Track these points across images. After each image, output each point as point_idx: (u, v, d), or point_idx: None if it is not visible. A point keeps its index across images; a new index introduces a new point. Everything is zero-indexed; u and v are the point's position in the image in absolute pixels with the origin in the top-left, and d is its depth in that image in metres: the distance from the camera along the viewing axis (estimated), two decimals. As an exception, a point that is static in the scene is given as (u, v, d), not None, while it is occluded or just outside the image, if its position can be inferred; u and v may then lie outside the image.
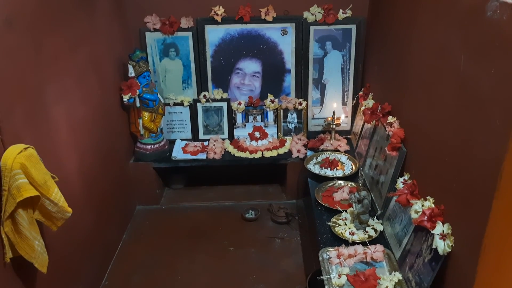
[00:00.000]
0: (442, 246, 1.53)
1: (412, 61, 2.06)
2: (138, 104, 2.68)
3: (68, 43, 2.00)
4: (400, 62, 2.23)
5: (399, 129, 2.12)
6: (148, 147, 2.82)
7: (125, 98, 2.61)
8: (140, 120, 2.74)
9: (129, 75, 2.62)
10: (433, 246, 1.56)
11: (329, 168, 2.62)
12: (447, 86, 1.64)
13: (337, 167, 2.63)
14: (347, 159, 2.73)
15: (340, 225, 2.11)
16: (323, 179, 2.53)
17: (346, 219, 2.12)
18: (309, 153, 2.86)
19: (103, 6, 2.45)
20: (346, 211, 2.17)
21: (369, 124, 2.57)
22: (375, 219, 2.10)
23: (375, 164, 2.37)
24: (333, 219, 2.16)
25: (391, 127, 2.20)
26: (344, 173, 2.59)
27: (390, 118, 2.25)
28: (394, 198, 2.01)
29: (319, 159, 2.76)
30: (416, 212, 1.72)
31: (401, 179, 1.99)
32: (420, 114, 1.94)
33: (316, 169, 2.64)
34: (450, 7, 1.63)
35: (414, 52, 2.04)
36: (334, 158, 2.70)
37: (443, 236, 1.54)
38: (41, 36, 1.76)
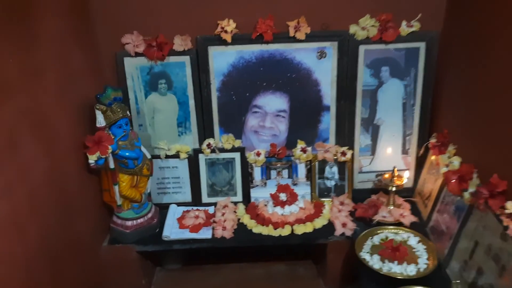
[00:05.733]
0: None
1: None
2: (112, 166, 1.85)
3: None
4: (506, 99, 1.39)
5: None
6: (129, 223, 1.99)
7: (92, 159, 1.77)
8: (116, 187, 1.90)
9: (97, 125, 1.79)
10: None
11: (395, 262, 1.75)
12: None
13: (406, 259, 1.76)
14: (418, 242, 1.87)
15: None
16: (387, 281, 1.67)
17: None
18: (359, 226, 2.01)
19: (53, 26, 1.62)
20: None
21: (455, 194, 1.73)
22: None
23: (476, 266, 1.51)
24: None
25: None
26: (418, 269, 1.73)
27: (510, 205, 1.39)
28: None
29: (376, 240, 1.90)
30: None
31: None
32: None
33: (375, 262, 1.78)
34: None
35: None
36: (401, 243, 1.84)
37: None
38: None
